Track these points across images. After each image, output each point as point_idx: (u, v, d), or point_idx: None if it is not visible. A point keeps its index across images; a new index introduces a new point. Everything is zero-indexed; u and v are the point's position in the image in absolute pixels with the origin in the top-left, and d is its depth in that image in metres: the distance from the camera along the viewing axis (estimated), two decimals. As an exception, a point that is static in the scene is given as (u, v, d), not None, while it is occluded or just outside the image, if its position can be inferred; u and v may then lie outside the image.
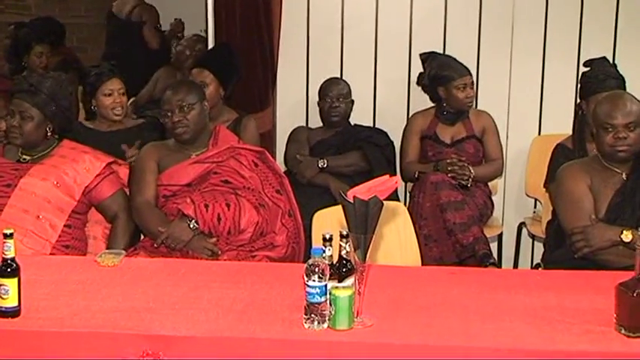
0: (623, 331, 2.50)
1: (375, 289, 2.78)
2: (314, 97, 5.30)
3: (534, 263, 5.26)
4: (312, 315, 2.50)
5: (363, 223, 2.50)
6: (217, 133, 4.15)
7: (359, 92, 5.25)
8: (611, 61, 4.81)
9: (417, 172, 4.92)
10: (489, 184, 5.11)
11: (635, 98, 3.68)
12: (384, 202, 2.56)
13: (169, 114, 4.01)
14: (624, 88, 4.40)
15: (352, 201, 2.50)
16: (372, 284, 2.74)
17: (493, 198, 5.11)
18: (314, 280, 2.48)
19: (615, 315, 2.53)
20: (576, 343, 2.46)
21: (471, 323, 2.59)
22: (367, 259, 2.55)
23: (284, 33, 5.32)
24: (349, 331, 2.50)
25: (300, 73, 5.46)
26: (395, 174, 5.03)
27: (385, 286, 2.89)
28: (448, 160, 4.84)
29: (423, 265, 3.79)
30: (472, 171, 4.82)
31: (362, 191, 2.54)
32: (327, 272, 2.50)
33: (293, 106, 5.49)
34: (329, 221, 3.54)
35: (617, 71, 4.59)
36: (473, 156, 5.01)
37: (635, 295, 2.47)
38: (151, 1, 7.70)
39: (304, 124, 5.42)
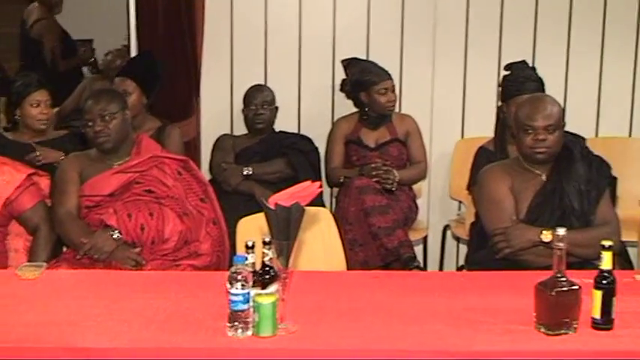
0: (542, 330, 2.54)
1: (299, 295, 2.79)
2: (238, 104, 5.29)
3: (459, 265, 5.31)
4: (236, 323, 2.50)
5: (285, 230, 2.50)
6: (140, 142, 4.11)
7: (283, 99, 5.26)
8: (530, 64, 4.88)
9: (342, 177, 4.94)
10: (414, 187, 5.15)
11: (556, 101, 3.74)
12: (308, 207, 2.56)
13: (90, 123, 3.96)
14: (543, 91, 4.47)
15: (274, 208, 2.50)
16: (295, 290, 2.75)
17: (418, 201, 5.15)
18: (237, 288, 2.47)
19: (535, 314, 2.57)
20: (497, 343, 2.50)
21: (394, 326, 2.60)
22: (290, 265, 2.55)
23: (207, 40, 5.30)
24: (273, 337, 2.49)
25: (224, 80, 5.44)
26: (320, 180, 5.04)
27: (309, 292, 2.89)
28: (372, 165, 4.87)
29: (348, 269, 3.80)
30: (396, 175, 4.86)
31: (284, 198, 2.55)
32: (250, 279, 2.50)
33: (217, 114, 5.46)
34: (253, 228, 3.54)
35: (537, 74, 4.66)
36: (397, 159, 5.05)
37: (553, 293, 2.51)
38: (73, 11, 7.59)
39: (229, 132, 5.41)
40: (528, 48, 5.37)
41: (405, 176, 4.98)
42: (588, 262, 3.40)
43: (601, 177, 3.72)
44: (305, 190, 2.59)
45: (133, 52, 5.32)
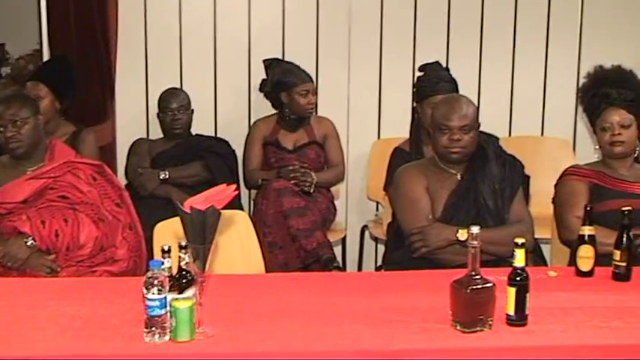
0: (458, 327, 2.57)
1: (217, 298, 2.78)
2: (154, 107, 5.23)
3: (378, 265, 5.35)
4: (153, 328, 2.47)
5: (201, 233, 2.48)
6: (53, 147, 4.04)
7: (199, 101, 5.23)
8: (444, 65, 4.95)
9: (260, 180, 4.94)
10: (332, 188, 5.17)
11: (472, 102, 3.80)
12: (224, 210, 2.55)
13: (2, 129, 3.88)
14: (457, 91, 4.54)
15: (189, 211, 2.48)
16: (214, 294, 2.74)
17: (336, 202, 5.18)
18: (153, 293, 2.45)
19: (451, 312, 2.60)
20: (414, 342, 2.52)
21: (312, 328, 2.61)
22: (207, 269, 2.54)
23: (121, 43, 5.25)
24: (191, 342, 2.47)
25: (139, 83, 5.39)
26: (238, 182, 5.03)
27: (227, 295, 2.88)
28: (290, 167, 4.88)
29: (267, 272, 3.80)
30: (314, 177, 4.88)
31: (199, 201, 2.53)
32: (167, 284, 2.48)
33: (133, 118, 5.41)
34: (170, 233, 3.50)
35: (450, 75, 4.73)
36: (315, 162, 5.06)
37: (468, 291, 2.54)
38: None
39: (145, 136, 5.36)
40: (442, 49, 5.44)
41: (323, 178, 5.00)
42: (503, 259, 3.45)
43: (514, 176, 3.79)
44: (220, 193, 2.58)
45: (46, 57, 5.24)
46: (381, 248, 5.20)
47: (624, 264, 3.12)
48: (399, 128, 5.10)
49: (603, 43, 5.42)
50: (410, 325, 2.62)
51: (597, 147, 3.89)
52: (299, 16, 5.42)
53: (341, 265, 4.91)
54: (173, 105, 5.05)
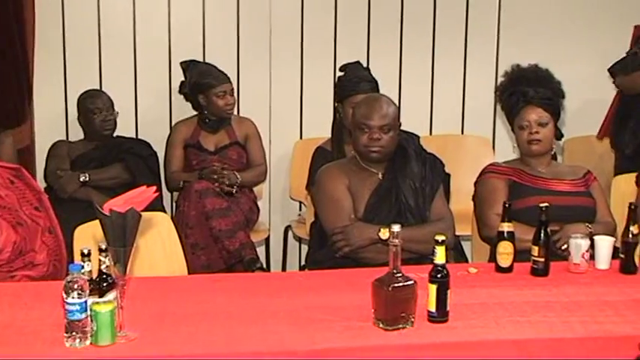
0: (381, 325, 2.58)
1: (140, 301, 2.75)
2: (73, 109, 5.16)
3: (301, 265, 5.36)
4: (74, 333, 2.44)
5: (121, 236, 2.46)
6: (-31, 151, 3.97)
7: (120, 103, 5.16)
8: (364, 65, 4.97)
9: (181, 182, 4.91)
10: (254, 189, 5.16)
11: (392, 101, 3.82)
12: (145, 213, 2.53)
13: None
14: (378, 91, 4.57)
15: (109, 214, 2.46)
16: (135, 297, 2.71)
17: (258, 203, 5.17)
18: (73, 297, 2.41)
19: (373, 310, 2.62)
20: (337, 340, 2.52)
21: (236, 329, 2.60)
22: (128, 271, 2.51)
23: (39, 45, 5.16)
24: (112, 346, 2.45)
25: (57, 85, 5.32)
26: (160, 184, 5.00)
27: (149, 298, 2.86)
28: (212, 168, 4.86)
29: (189, 274, 3.77)
30: (237, 177, 4.87)
31: (119, 203, 2.50)
32: (87, 288, 2.44)
33: (52, 120, 5.33)
34: (90, 236, 3.46)
35: (371, 74, 4.75)
36: (237, 162, 5.05)
37: (390, 289, 2.56)
38: None
39: (64, 138, 5.28)
40: (362, 49, 5.48)
41: (246, 178, 4.99)
42: (424, 257, 3.48)
43: (435, 174, 3.83)
44: (140, 195, 2.56)
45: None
46: (305, 248, 5.22)
47: (542, 259, 3.18)
48: (320, 128, 5.11)
49: (521, 42, 5.52)
50: (333, 324, 2.63)
51: (516, 145, 3.95)
52: (219, 16, 5.40)
53: (264, 265, 4.91)
54: (100, 106, 4.99)
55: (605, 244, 3.31)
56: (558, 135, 3.96)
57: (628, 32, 5.06)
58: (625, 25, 5.11)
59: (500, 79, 4.11)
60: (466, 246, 4.25)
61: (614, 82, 5.03)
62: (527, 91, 3.85)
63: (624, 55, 5.00)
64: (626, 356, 2.58)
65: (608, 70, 5.00)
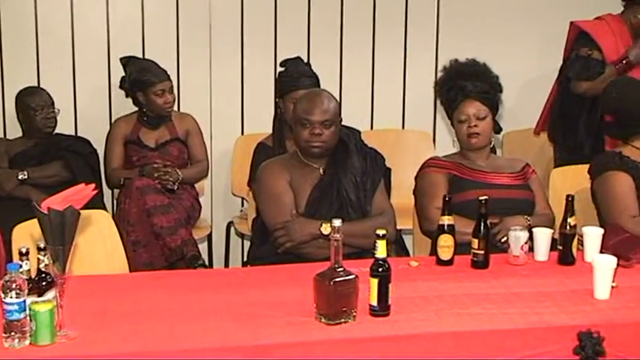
0: (323, 320, 2.59)
1: (80, 300, 2.73)
2: (10, 107, 5.09)
3: (244, 261, 5.35)
4: (12, 333, 2.41)
5: (60, 234, 2.43)
6: None
7: (58, 99, 5.07)
8: (305, 61, 4.97)
9: (122, 178, 4.86)
10: (196, 185, 5.14)
11: (333, 97, 3.82)
12: (85, 210, 2.51)
13: None
14: (319, 86, 4.57)
15: (47, 212, 2.43)
16: (76, 296, 2.69)
17: (200, 199, 5.15)
18: (11, 297, 2.38)
19: (315, 305, 2.63)
20: (279, 335, 2.53)
21: (177, 326, 2.59)
22: (68, 270, 2.49)
23: (-26, 42, 5.10)
24: (52, 346, 2.42)
25: (-7, 82, 5.25)
26: (100, 182, 4.96)
27: (90, 297, 2.84)
28: (154, 165, 4.83)
29: (131, 271, 3.74)
30: (179, 174, 4.85)
31: (57, 201, 2.48)
32: (25, 287, 2.41)
33: (-12, 118, 5.26)
34: (29, 235, 3.42)
35: (311, 69, 4.75)
36: (178, 158, 5.02)
37: (331, 284, 2.57)
38: None
39: (1, 136, 5.21)
40: (303, 44, 5.48)
41: (187, 175, 4.97)
42: (366, 251, 3.49)
43: (375, 169, 3.85)
44: (79, 192, 2.54)
45: None
46: (248, 244, 5.21)
47: (482, 252, 3.22)
48: (262, 124, 5.09)
49: (460, 37, 5.56)
50: (275, 320, 2.64)
51: (455, 139, 3.98)
52: (158, 12, 5.37)
53: (207, 262, 4.89)
54: (41, 103, 4.92)
55: (543, 236, 3.36)
56: (497, 129, 4.00)
57: (565, 27, 5.12)
58: (561, 20, 5.17)
59: (439, 74, 4.14)
60: (407, 240, 4.27)
61: (571, 87, 5.03)
62: (465, 85, 3.89)
63: (572, 56, 5.02)
64: (564, 346, 2.63)
65: (567, 76, 5.03)
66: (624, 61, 4.82)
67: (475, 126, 3.85)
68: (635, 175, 3.81)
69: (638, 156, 3.89)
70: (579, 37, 5.02)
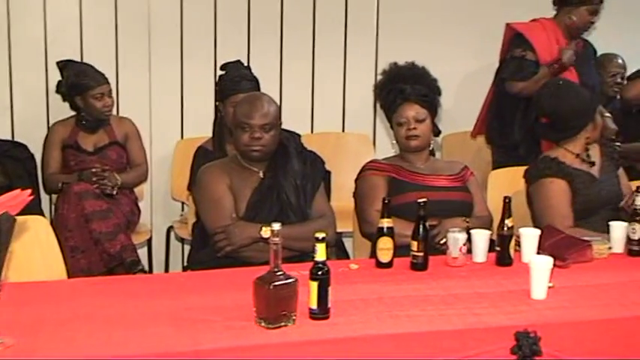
0: (262, 324, 2.58)
1: (16, 307, 2.69)
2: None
3: (184, 265, 5.32)
4: (-53, 341, 2.38)
5: (-5, 241, 2.40)
6: None
7: (-6, 104, 5.05)
8: (245, 64, 4.96)
9: (60, 183, 4.81)
10: (135, 190, 5.11)
11: (273, 100, 3.82)
12: (21, 216, 2.48)
13: None
14: (259, 89, 4.56)
15: (-19, 219, 2.39)
16: (12, 303, 2.65)
17: (139, 204, 5.11)
18: (-55, 305, 2.35)
19: (255, 309, 2.62)
20: (219, 340, 2.52)
21: (116, 333, 2.56)
22: (4, 277, 2.45)
23: None
24: (-13, 354, 2.39)
25: None
26: (38, 187, 4.90)
27: (27, 304, 2.79)
28: (93, 170, 4.78)
29: (69, 277, 3.70)
30: (117, 178, 4.81)
31: (-8, 207, 2.44)
32: (-40, 295, 2.38)
33: None
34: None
35: (252, 73, 4.75)
36: (116, 163, 4.98)
37: (271, 287, 2.56)
38: None
39: (-63, 141, 5.13)
40: (243, 48, 5.48)
41: (126, 180, 4.94)
42: (307, 254, 3.49)
43: (315, 172, 3.86)
44: (15, 198, 2.50)
45: None
46: (188, 248, 5.17)
47: (421, 254, 3.24)
48: (202, 127, 5.08)
49: (399, 41, 5.60)
50: (214, 324, 2.62)
51: (394, 142, 4.01)
52: (96, 15, 5.33)
53: (147, 267, 4.86)
54: None
55: (481, 238, 3.39)
56: (436, 131, 4.03)
57: (501, 30, 5.17)
58: (498, 22, 5.22)
59: (379, 78, 4.17)
60: (347, 242, 4.29)
61: (506, 88, 5.08)
62: (404, 89, 3.92)
63: (507, 57, 5.08)
64: (502, 346, 2.66)
65: (502, 78, 5.08)
66: (557, 63, 4.88)
67: (414, 128, 3.88)
68: (571, 180, 3.88)
69: (572, 159, 3.96)
70: (514, 39, 5.07)
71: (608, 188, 3.98)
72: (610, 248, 3.52)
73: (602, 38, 5.50)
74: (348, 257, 4.07)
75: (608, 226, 3.62)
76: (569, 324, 2.78)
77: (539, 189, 3.93)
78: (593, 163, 3.99)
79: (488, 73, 5.28)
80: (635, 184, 3.88)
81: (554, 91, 4.11)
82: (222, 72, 4.75)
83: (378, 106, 4.24)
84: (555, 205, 3.85)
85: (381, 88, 4.04)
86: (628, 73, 5.64)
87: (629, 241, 3.53)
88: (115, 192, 4.76)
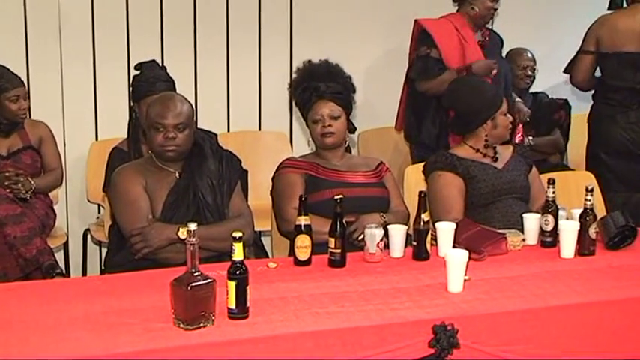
0: (181, 325, 2.57)
1: None
2: None
3: (102, 268, 5.26)
4: None
5: None
6: None
7: None
8: (160, 64, 4.92)
9: (-27, 189, 4.71)
10: (50, 193, 5.02)
11: (186, 99, 3.79)
12: None
13: None
14: (174, 90, 4.53)
15: None
16: None
17: (55, 207, 5.03)
18: None
19: (173, 310, 2.61)
20: (138, 343, 2.50)
21: (31, 338, 2.53)
22: None
23: None
24: None
25: None
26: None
27: (-62, 312, 2.74)
28: (6, 174, 4.69)
29: (-16, 284, 3.64)
30: (32, 183, 4.73)
31: None
32: None
33: None
34: None
35: (167, 74, 4.70)
36: (31, 167, 4.89)
37: (188, 288, 2.56)
38: None
39: None
40: (157, 48, 5.43)
41: (41, 183, 4.85)
42: (225, 254, 3.48)
43: (232, 171, 3.85)
44: None
45: None
46: (105, 251, 5.12)
47: (339, 251, 3.26)
48: (117, 128, 5.02)
49: (313, 39, 5.62)
50: (133, 327, 2.60)
51: (310, 139, 4.03)
52: (5, 16, 5.22)
53: (64, 270, 4.78)
54: None
55: (398, 233, 3.42)
56: (351, 128, 4.06)
57: (410, 26, 5.20)
58: (408, 18, 5.25)
59: (293, 76, 4.17)
60: (266, 241, 4.29)
61: (417, 88, 5.12)
62: (318, 86, 3.94)
63: (415, 56, 5.12)
64: (420, 340, 2.70)
65: (410, 76, 5.11)
66: (467, 71, 4.92)
67: (329, 126, 3.91)
68: (465, 174, 3.95)
69: (472, 154, 4.02)
70: (420, 35, 5.12)
71: (512, 178, 4.02)
72: (524, 240, 3.59)
73: (513, 33, 5.59)
74: (267, 256, 4.07)
75: (513, 213, 3.76)
76: (485, 315, 2.84)
77: (430, 182, 4.00)
78: (495, 159, 4.05)
79: (400, 68, 5.31)
80: (547, 176, 3.95)
81: (456, 87, 4.20)
82: (137, 72, 4.70)
83: (294, 103, 4.24)
84: (444, 198, 3.91)
85: (295, 86, 4.05)
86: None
87: (542, 232, 3.60)
88: (28, 196, 4.67)
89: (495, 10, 5.12)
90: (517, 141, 4.91)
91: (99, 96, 5.41)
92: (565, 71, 5.27)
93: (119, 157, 4.40)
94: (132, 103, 4.73)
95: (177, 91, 4.44)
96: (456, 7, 5.15)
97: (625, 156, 5.00)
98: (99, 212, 5.38)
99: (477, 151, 4.05)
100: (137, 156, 4.34)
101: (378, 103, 5.64)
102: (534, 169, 4.20)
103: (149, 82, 4.54)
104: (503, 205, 3.93)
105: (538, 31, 6.12)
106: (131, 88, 4.77)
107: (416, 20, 5.15)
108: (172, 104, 3.71)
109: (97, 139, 5.41)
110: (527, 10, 6.16)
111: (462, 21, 5.07)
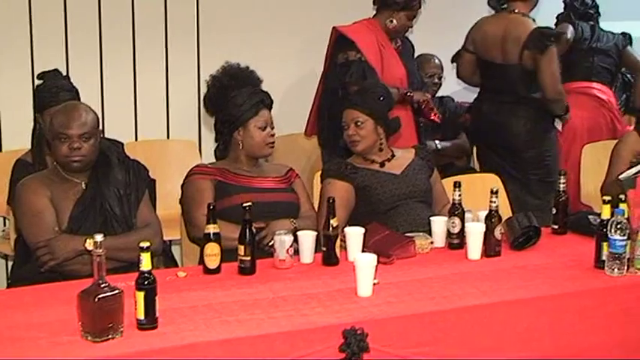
0: (89, 338, 2.54)
1: None
2: None
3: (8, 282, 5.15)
4: None
5: None
6: None
7: None
8: (64, 72, 4.84)
9: None
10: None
11: (91, 109, 3.73)
12: None
13: None
14: (78, 100, 4.45)
15: None
16: None
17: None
18: None
19: (80, 323, 2.57)
20: (44, 357, 2.47)
21: None
22: None
23: None
24: None
25: None
26: None
27: None
28: None
29: None
30: None
31: None
32: None
33: None
34: None
35: (71, 83, 4.62)
36: None
37: (95, 300, 2.53)
38: None
39: None
40: (61, 57, 5.33)
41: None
42: (134, 265, 3.44)
43: (139, 180, 3.81)
44: None
45: None
46: (11, 265, 5.02)
47: (248, 258, 3.26)
48: (20, 139, 4.91)
49: (221, 47, 5.57)
50: (40, 341, 2.57)
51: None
52: None
53: (-32, 286, 4.68)
54: None
55: (307, 239, 3.44)
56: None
57: (324, 32, 5.20)
58: (321, 24, 5.26)
59: (203, 83, 4.16)
60: (176, 250, 4.26)
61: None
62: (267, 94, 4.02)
63: (336, 60, 5.10)
64: (331, 345, 2.72)
65: (346, 80, 5.08)
66: (409, 97, 4.93)
67: (273, 135, 3.98)
68: (359, 183, 3.99)
69: (369, 164, 4.06)
70: (340, 42, 5.12)
71: (411, 182, 4.06)
72: (432, 243, 3.63)
73: (421, 39, 5.64)
74: (176, 265, 4.04)
75: (416, 216, 3.87)
76: (395, 319, 2.87)
77: (322, 188, 4.04)
78: (382, 164, 4.09)
79: (312, 76, 5.33)
80: (453, 179, 3.99)
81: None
82: (40, 82, 4.62)
83: (203, 111, 4.22)
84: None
85: (232, 87, 4.02)
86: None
87: (449, 235, 3.65)
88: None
89: (410, 27, 5.18)
90: (437, 119, 4.92)
91: (1, 106, 5.30)
92: (452, 61, 5.55)
93: (23, 169, 4.30)
94: (36, 114, 4.63)
95: (83, 100, 4.36)
96: (374, 11, 5.17)
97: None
98: (4, 225, 5.26)
99: (372, 161, 4.07)
100: (41, 167, 4.25)
101: (288, 109, 5.60)
102: (435, 171, 4.25)
103: (52, 93, 4.45)
104: (406, 209, 3.97)
105: (445, 36, 6.18)
106: (35, 98, 4.69)
107: (334, 27, 5.15)
108: (77, 114, 3.66)
109: (0, 150, 5.29)
110: (435, 15, 6.22)
111: (378, 27, 5.10)
